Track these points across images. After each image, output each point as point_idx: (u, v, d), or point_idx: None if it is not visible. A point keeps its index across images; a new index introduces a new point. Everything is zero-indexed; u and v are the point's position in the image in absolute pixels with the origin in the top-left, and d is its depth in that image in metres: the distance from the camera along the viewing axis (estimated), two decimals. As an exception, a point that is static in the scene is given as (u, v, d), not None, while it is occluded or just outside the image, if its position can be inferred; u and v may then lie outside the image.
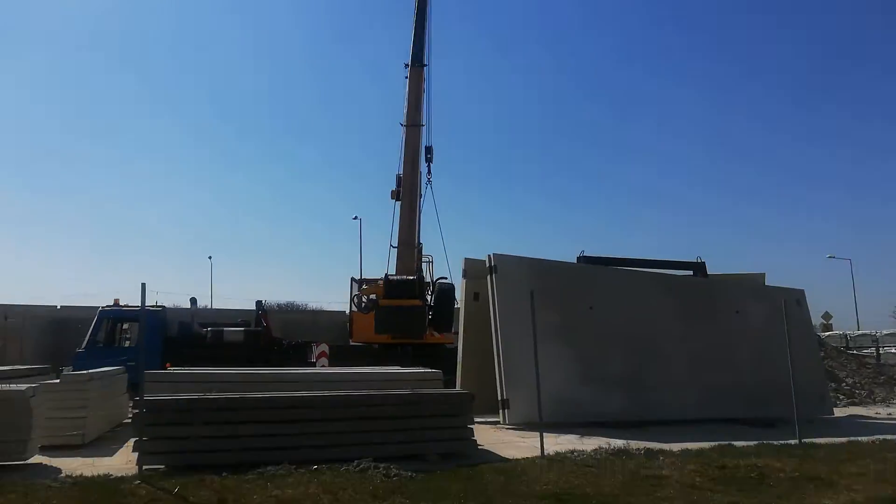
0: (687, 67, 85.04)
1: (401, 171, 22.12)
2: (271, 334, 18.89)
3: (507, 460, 8.78)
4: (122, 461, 8.38)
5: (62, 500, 6.19)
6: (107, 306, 17.57)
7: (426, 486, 7.07)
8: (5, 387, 8.71)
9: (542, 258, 14.21)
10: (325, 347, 17.78)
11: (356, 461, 7.92)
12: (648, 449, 9.39)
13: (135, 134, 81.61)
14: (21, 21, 74.68)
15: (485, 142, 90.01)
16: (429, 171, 22.58)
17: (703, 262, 16.44)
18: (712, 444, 9.98)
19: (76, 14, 75.77)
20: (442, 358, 17.10)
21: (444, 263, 21.45)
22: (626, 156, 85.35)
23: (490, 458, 8.98)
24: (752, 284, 16.50)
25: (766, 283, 16.81)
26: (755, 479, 7.76)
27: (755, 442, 10.31)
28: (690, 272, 16.27)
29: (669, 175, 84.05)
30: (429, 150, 22.55)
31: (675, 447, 9.64)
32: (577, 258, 15.62)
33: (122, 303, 17.78)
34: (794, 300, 14.95)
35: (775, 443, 10.28)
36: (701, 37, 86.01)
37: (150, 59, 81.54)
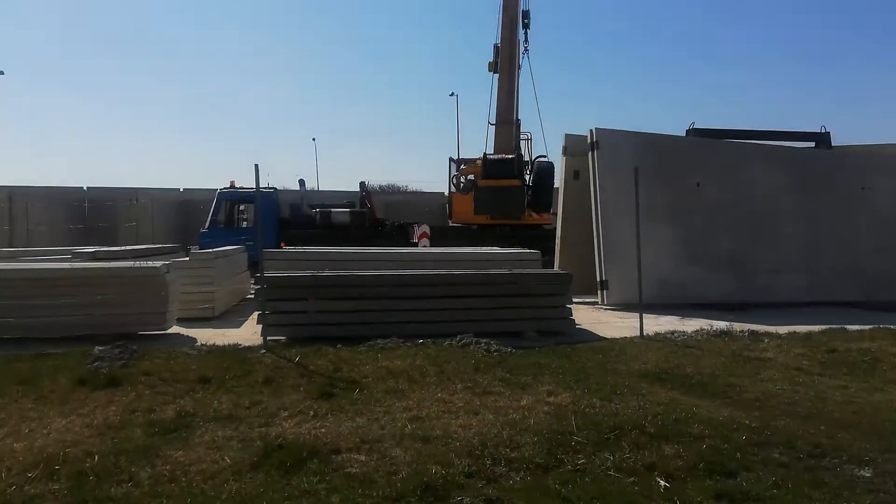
0: None
1: (498, 41, 21.29)
2: (375, 215, 19.52)
3: (605, 339, 8.94)
4: (248, 332, 9.24)
5: (200, 364, 6.97)
6: (224, 188, 18.63)
7: (525, 362, 7.37)
8: (144, 264, 9.64)
9: (648, 132, 13.55)
10: (426, 228, 18.23)
11: (459, 336, 8.34)
12: (753, 331, 9.22)
13: (238, 18, 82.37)
14: None
15: (582, 8, 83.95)
16: (525, 39, 21.52)
17: (828, 133, 15.14)
18: (823, 327, 9.63)
19: None
20: (541, 238, 17.15)
21: (542, 141, 20.91)
22: (738, 20, 77.28)
23: (588, 337, 9.16)
24: (882, 157, 15.07)
25: (900, 155, 15.31)
26: (867, 364, 7.50)
27: (870, 326, 9.80)
28: (812, 144, 15.08)
29: (790, 43, 75.72)
30: (525, 14, 21.34)
31: (782, 330, 9.41)
32: (687, 131, 14.79)
33: (237, 185, 18.80)
34: (931, 174, 13.66)
35: (893, 326, 9.71)
36: None
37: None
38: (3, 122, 66.70)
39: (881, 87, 71.20)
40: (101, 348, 7.42)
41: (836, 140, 15.18)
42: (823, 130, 15.10)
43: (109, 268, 9.48)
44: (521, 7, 21.19)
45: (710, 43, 79.25)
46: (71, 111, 68.96)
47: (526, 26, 21.43)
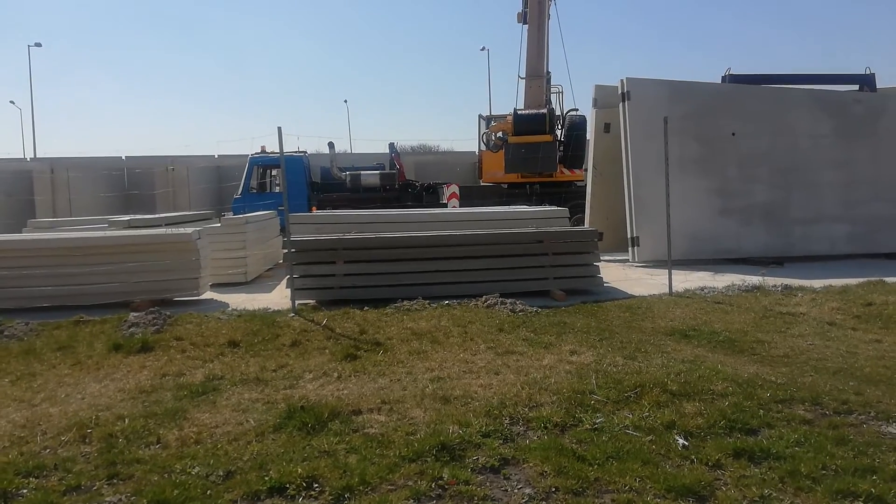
0: None
1: None
2: (404, 176, 19.47)
3: (633, 297, 8.84)
4: (279, 297, 9.41)
5: (230, 329, 7.14)
6: (255, 154, 18.76)
7: (550, 321, 7.35)
8: (175, 231, 9.84)
9: (682, 80, 13.09)
10: (455, 188, 18.10)
11: (484, 296, 8.35)
12: (787, 285, 9.01)
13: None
14: None
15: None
16: None
17: (873, 74, 14.40)
18: (860, 280, 9.35)
19: None
20: (573, 195, 16.91)
21: (570, 93, 20.41)
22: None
23: (616, 294, 9.07)
24: (934, 98, 14.31)
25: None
26: (905, 317, 7.27)
27: (911, 278, 9.51)
28: (856, 87, 14.39)
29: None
30: None
31: (817, 284, 9.17)
32: (723, 77, 14.25)
33: (268, 149, 18.89)
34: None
35: (936, 279, 9.42)
36: None
37: None
38: (44, 94, 68.14)
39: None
40: (135, 314, 7.65)
41: (882, 82, 14.45)
42: (868, 72, 14.38)
43: (143, 235, 9.71)
44: None
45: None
46: (109, 84, 70.09)
47: None
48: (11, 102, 33.11)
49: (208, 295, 9.56)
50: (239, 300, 9.09)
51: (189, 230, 9.60)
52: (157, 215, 13.95)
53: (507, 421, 4.34)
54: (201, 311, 8.11)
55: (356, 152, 27.09)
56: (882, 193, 12.73)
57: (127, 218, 12.13)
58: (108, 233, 10.18)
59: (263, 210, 13.64)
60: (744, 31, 73.47)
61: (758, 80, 14.13)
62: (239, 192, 17.88)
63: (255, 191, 17.98)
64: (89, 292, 8.83)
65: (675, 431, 4.11)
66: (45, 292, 8.87)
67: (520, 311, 7.79)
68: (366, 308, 8.08)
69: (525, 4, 20.55)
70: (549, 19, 20.60)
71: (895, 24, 69.51)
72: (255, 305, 8.60)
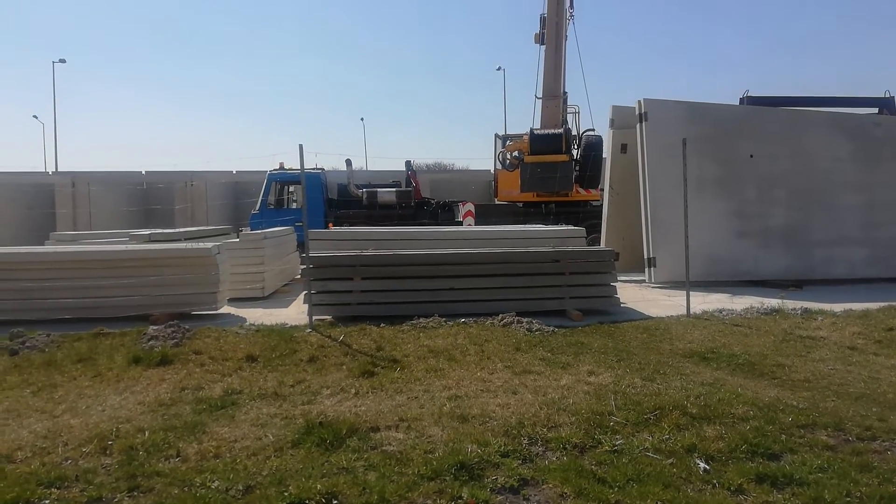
0: None
1: (545, 11, 20.86)
2: (420, 194, 19.56)
3: (650, 318, 8.79)
4: (296, 312, 9.46)
5: (248, 344, 7.18)
6: (273, 170, 18.95)
7: (567, 341, 7.33)
8: (195, 245, 9.94)
9: (700, 101, 13.11)
10: (471, 207, 18.15)
11: (500, 315, 8.34)
12: (806, 309, 8.93)
13: (289, 3, 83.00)
14: None
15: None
16: (571, 5, 21.02)
17: (892, 98, 14.38)
18: (881, 304, 9.24)
19: None
20: (589, 215, 16.89)
21: (588, 113, 20.53)
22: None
23: (633, 315, 9.03)
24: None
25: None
26: (928, 343, 7.18)
27: (933, 303, 9.37)
28: (875, 110, 14.34)
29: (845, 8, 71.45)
30: None
31: (837, 307, 9.08)
32: (741, 99, 14.26)
33: (286, 165, 19.09)
34: None
35: (957, 304, 9.27)
36: None
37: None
38: (68, 110, 69.37)
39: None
40: (155, 328, 7.72)
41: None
42: (887, 95, 14.34)
43: (163, 249, 9.82)
44: None
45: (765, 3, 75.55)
46: (131, 99, 71.31)
47: None
48: (35, 117, 33.92)
49: (226, 309, 9.63)
50: (256, 315, 9.15)
51: (209, 245, 9.70)
52: (176, 230, 14.09)
53: (525, 441, 4.32)
54: (219, 326, 8.17)
55: (373, 170, 27.26)
56: (902, 218, 12.61)
57: (147, 232, 12.27)
58: (129, 246, 10.32)
59: (281, 226, 13.76)
60: (761, 54, 73.53)
61: (776, 103, 14.12)
62: (257, 208, 18.05)
63: (272, 207, 18.14)
64: (110, 305, 8.93)
65: (695, 455, 4.07)
66: (67, 304, 8.98)
67: (536, 330, 7.77)
68: (382, 325, 8.10)
69: (543, 25, 20.71)
70: (566, 40, 20.75)
71: (914, 48, 68.94)
72: (272, 320, 8.65)
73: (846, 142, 12.82)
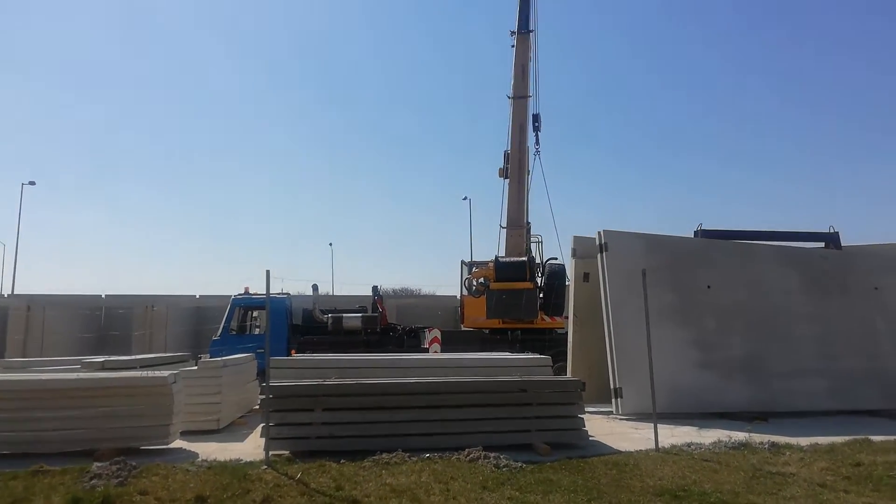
0: (818, 32, 77.48)
1: (509, 147, 21.99)
2: (386, 320, 19.48)
3: (619, 452, 8.59)
4: (252, 446, 9.01)
5: (198, 482, 6.75)
6: (238, 295, 18.78)
7: (536, 478, 7.08)
8: (150, 374, 9.56)
9: (657, 233, 13.62)
10: (437, 333, 18.11)
11: (466, 450, 8.07)
12: (773, 443, 8.87)
13: (255, 128, 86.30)
14: (149, 24, 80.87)
15: (592, 114, 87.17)
16: (537, 141, 22.27)
17: (837, 233, 15.13)
18: (846, 438, 9.26)
19: (199, 19, 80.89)
20: (554, 343, 16.97)
21: (555, 241, 21.21)
22: (743, 123, 79.54)
23: (602, 449, 8.82)
24: (893, 256, 14.96)
25: (911, 255, 15.19)
26: (895, 479, 7.11)
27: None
28: (822, 244, 15.05)
29: (793, 141, 77.45)
30: (536, 118, 22.21)
31: (803, 441, 9.03)
32: (695, 232, 14.87)
33: (251, 290, 18.94)
34: (944, 274, 13.50)
35: (920, 438, 9.34)
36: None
37: (266, 50, 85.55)
38: (31, 231, 68.85)
39: (889, 183, 71.69)
40: (99, 465, 7.25)
41: (846, 239, 15.17)
42: (832, 230, 15.12)
43: (114, 378, 9.39)
44: (531, 111, 22.10)
45: (714, 142, 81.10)
46: (95, 222, 71.28)
47: (536, 129, 22.26)
48: (-1, 242, 33.42)
49: (178, 443, 9.12)
50: (210, 450, 8.68)
51: (165, 373, 9.34)
52: (132, 357, 13.65)
53: None
54: (169, 462, 7.70)
55: (340, 294, 27.26)
56: (857, 349, 12.90)
57: (101, 359, 11.84)
58: (78, 375, 9.87)
59: (242, 353, 13.43)
60: (715, 188, 77.99)
61: (727, 236, 14.77)
62: (218, 334, 17.69)
63: (234, 332, 17.80)
64: (52, 439, 8.39)
65: None
66: (5, 437, 8.42)
67: (504, 466, 7.51)
68: (343, 461, 7.74)
69: (506, 161, 21.79)
70: (530, 174, 21.79)
71: (857, 186, 74.04)
72: (226, 456, 8.20)
73: (796, 275, 13.34)
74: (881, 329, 13.19)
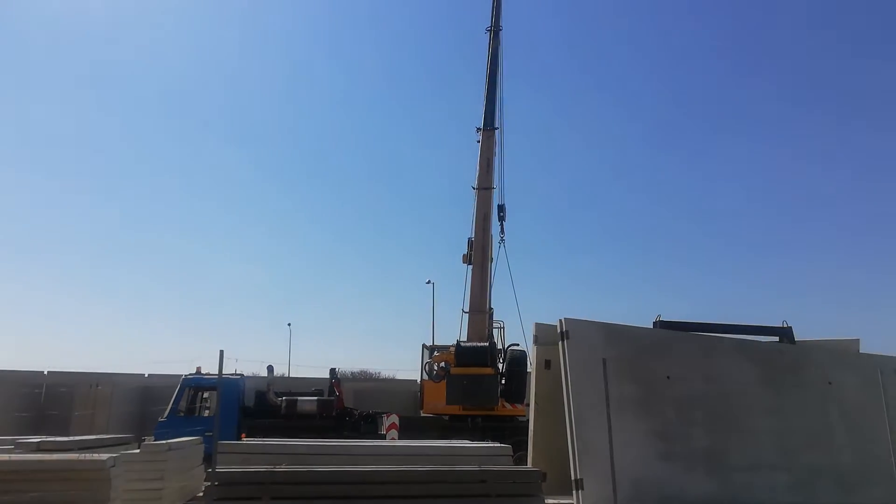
0: (767, 125, 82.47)
1: (472, 235, 22.34)
2: (343, 404, 19.00)
3: (579, 547, 8.31)
4: (193, 537, 8.46)
5: (131, 578, 6.26)
6: (189, 374, 18.17)
7: (493, 575, 6.75)
8: (87, 457, 9.03)
9: (617, 323, 13.73)
10: (395, 419, 17.68)
11: (422, 545, 7.72)
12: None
13: (212, 200, 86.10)
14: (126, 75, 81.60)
15: (555, 205, 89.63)
16: (502, 230, 22.79)
17: (790, 328, 15.48)
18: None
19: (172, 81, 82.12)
20: (515, 431, 16.68)
21: (519, 327, 21.35)
22: (701, 217, 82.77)
23: (562, 545, 8.53)
24: (844, 352, 15.33)
25: (860, 351, 15.63)
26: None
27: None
28: (776, 338, 15.38)
29: (749, 237, 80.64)
30: (501, 208, 22.82)
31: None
32: (654, 323, 15.06)
33: (203, 370, 18.33)
34: (893, 369, 13.84)
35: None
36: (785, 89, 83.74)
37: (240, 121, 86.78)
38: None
39: (838, 279, 74.55)
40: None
41: (798, 334, 15.53)
42: (785, 325, 15.50)
43: (49, 461, 8.87)
44: (496, 202, 22.66)
45: (678, 240, 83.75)
46: (36, 293, 68.95)
47: (502, 219, 22.82)
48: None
49: (112, 533, 8.51)
50: (146, 541, 8.11)
51: (104, 456, 8.85)
52: (71, 438, 12.92)
53: None
54: (100, 554, 7.15)
55: (296, 376, 26.57)
56: (814, 443, 12.95)
57: (37, 440, 11.18)
58: (10, 456, 9.28)
59: (189, 436, 12.83)
60: (673, 282, 79.93)
61: (686, 327, 15.01)
62: (165, 416, 16.97)
63: (182, 414, 17.10)
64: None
65: None
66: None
67: (460, 562, 7.18)
68: (290, 554, 7.30)
69: (470, 247, 22.12)
70: (493, 262, 22.10)
71: (810, 280, 76.79)
72: (164, 548, 7.66)
73: (753, 368, 13.51)
74: (836, 423, 13.32)
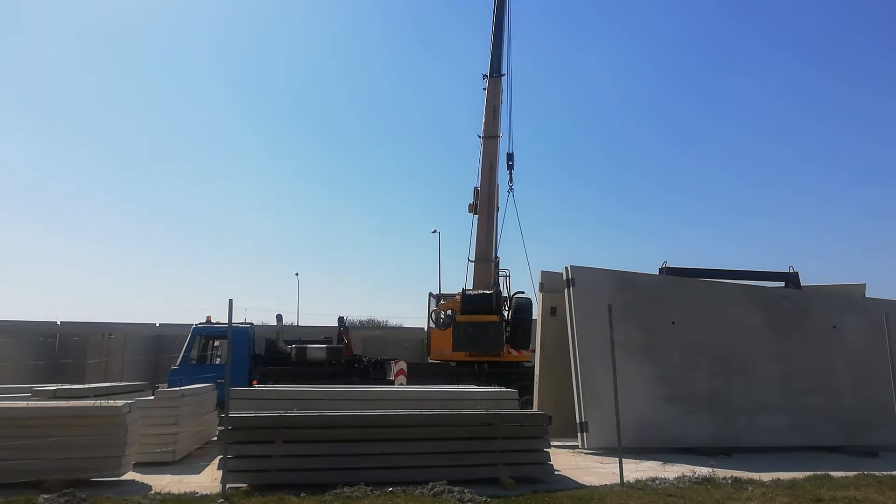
0: (784, 75, 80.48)
1: (478, 184, 22.17)
2: (352, 351, 19.22)
3: (584, 487, 8.54)
4: (209, 479, 8.73)
5: (151, 517, 6.49)
6: (199, 323, 18.34)
7: (500, 513, 6.96)
8: (103, 403, 9.23)
9: (623, 270, 13.78)
10: (403, 365, 17.92)
11: (430, 484, 7.94)
12: (736, 478, 8.91)
13: (221, 153, 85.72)
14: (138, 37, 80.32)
15: (566, 148, 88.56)
16: (510, 179, 22.57)
17: (796, 273, 15.49)
18: (806, 473, 9.36)
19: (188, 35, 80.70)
20: (520, 376, 16.90)
21: (527, 276, 21.28)
22: (714, 160, 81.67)
23: (567, 484, 8.76)
24: (850, 297, 15.38)
25: (865, 295, 15.64)
26: (855, 514, 7.19)
27: (855, 473, 9.60)
28: (782, 284, 15.40)
29: (759, 181, 79.77)
30: (510, 156, 22.56)
31: (766, 477, 9.10)
32: (660, 269, 15.08)
33: (213, 319, 18.50)
34: (899, 314, 13.88)
35: (877, 474, 9.55)
36: (802, 46, 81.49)
37: (236, 68, 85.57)
38: (-16, 255, 66.55)
39: (847, 225, 73.98)
40: (47, 497, 6.94)
41: (805, 280, 15.53)
42: (792, 271, 15.49)
43: (66, 407, 9.06)
44: (505, 150, 22.41)
45: (690, 183, 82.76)
46: (49, 245, 69.34)
47: (510, 167, 22.56)
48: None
49: (130, 475, 8.77)
50: (163, 482, 8.38)
51: (119, 403, 9.04)
52: (87, 385, 13.18)
53: None
54: (120, 495, 7.42)
55: (305, 325, 26.82)
56: (817, 386, 13.13)
57: (54, 387, 11.41)
58: (28, 403, 9.49)
59: (202, 383, 13.08)
60: (683, 226, 79.20)
61: (691, 274, 15.01)
62: (177, 364, 17.21)
63: (194, 362, 17.34)
64: (2, 470, 8.00)
65: None
66: (-51, 470, 8.00)
67: (468, 500, 7.41)
68: (303, 494, 7.55)
69: (476, 196, 21.96)
70: (498, 210, 21.96)
71: (817, 230, 76.15)
72: (181, 489, 7.92)
73: (758, 312, 13.59)
74: (840, 367, 13.47)
